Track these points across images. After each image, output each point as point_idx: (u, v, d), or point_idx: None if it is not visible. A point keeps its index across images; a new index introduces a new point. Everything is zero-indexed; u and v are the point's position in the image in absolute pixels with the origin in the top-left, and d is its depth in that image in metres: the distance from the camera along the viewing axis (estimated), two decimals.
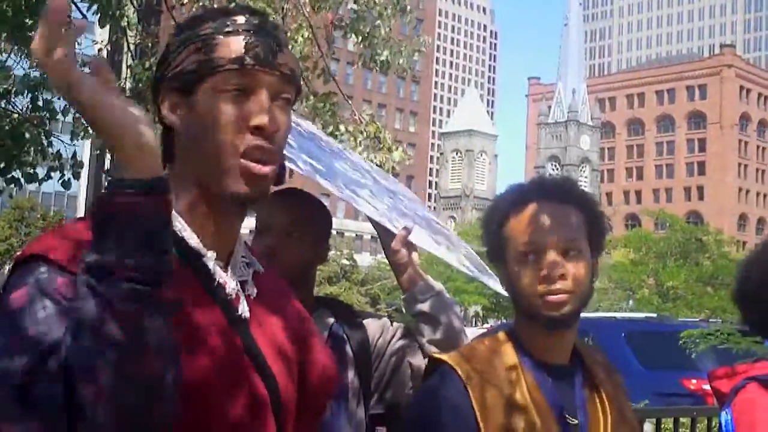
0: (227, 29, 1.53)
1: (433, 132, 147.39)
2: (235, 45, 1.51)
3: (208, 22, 1.55)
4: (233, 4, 1.56)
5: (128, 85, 9.33)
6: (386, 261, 2.68)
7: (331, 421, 2.43)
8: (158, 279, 1.27)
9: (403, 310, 2.67)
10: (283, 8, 8.42)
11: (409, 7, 9.01)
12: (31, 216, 56.25)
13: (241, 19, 1.54)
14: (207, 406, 1.40)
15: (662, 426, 4.01)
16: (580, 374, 2.12)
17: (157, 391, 1.25)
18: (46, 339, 1.28)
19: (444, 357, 2.09)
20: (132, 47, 9.29)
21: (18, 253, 1.43)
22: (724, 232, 77.40)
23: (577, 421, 2.04)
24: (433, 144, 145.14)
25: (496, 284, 3.20)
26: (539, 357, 2.07)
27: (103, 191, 1.28)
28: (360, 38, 8.72)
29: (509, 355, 2.06)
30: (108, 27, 8.18)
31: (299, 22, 8.61)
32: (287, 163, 2.31)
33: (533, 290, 2.02)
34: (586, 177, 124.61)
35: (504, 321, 37.66)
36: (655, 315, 20.66)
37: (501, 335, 2.13)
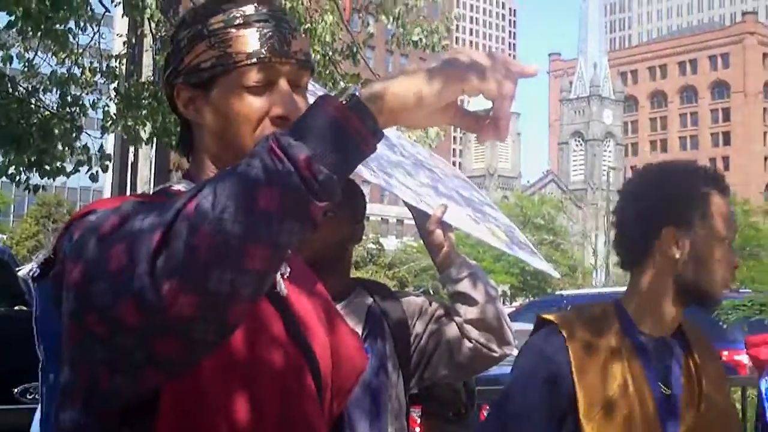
0: (238, 21, 1.49)
1: None
2: (249, 38, 1.48)
3: (216, 14, 1.51)
4: None
5: (151, 78, 9.39)
6: (412, 244, 2.68)
7: (378, 394, 2.45)
8: (328, 193, 1.17)
9: (431, 293, 2.67)
10: None
11: None
12: (58, 212, 56.48)
13: (250, 9, 1.50)
14: (252, 382, 1.40)
15: None
16: (680, 348, 2.21)
17: (243, 287, 1.15)
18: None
19: (551, 317, 2.21)
20: (152, 39, 9.33)
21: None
22: (751, 202, 76.67)
23: (670, 392, 2.13)
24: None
25: (539, 262, 3.17)
26: (647, 329, 2.18)
27: (341, 100, 1.20)
28: (392, 19, 8.80)
29: (613, 322, 2.17)
30: (127, 20, 8.24)
31: (323, 6, 8.66)
32: None
33: (726, 274, 2.17)
34: (610, 151, 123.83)
35: (533, 299, 37.46)
36: None
37: (608, 306, 2.23)
